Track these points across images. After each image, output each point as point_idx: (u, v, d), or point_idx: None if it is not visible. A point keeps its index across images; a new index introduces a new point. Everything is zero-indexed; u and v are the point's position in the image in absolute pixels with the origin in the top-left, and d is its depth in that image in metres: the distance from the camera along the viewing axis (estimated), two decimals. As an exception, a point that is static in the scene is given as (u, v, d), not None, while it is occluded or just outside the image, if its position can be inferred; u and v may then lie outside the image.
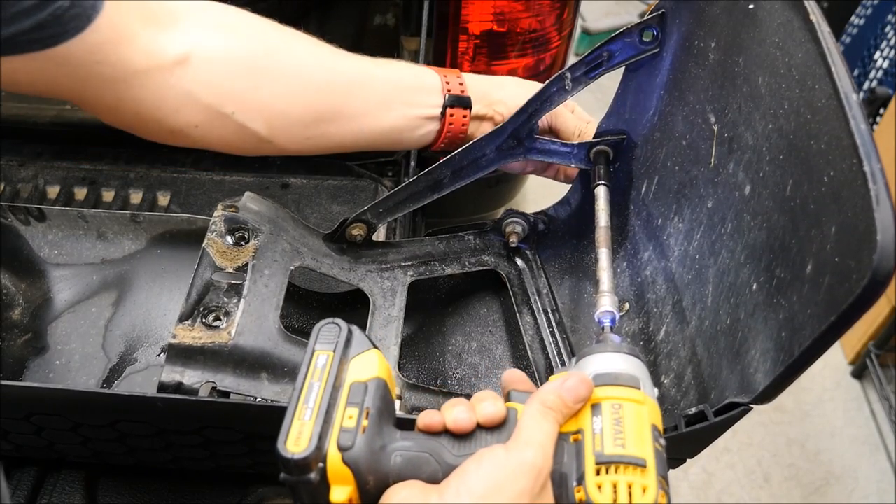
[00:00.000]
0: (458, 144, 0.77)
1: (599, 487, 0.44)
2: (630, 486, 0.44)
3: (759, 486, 1.83)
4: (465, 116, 0.77)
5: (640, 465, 0.45)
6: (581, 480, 0.45)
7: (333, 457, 0.45)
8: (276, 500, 0.79)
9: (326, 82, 0.71)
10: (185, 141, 0.69)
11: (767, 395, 0.51)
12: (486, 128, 0.80)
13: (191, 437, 0.65)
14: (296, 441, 0.45)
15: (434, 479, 0.46)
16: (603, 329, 0.62)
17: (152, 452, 0.70)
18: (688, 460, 0.62)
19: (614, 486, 0.44)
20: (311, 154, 0.75)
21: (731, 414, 0.53)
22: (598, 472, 0.45)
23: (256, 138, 0.69)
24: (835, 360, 2.09)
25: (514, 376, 0.54)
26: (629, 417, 0.47)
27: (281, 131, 0.70)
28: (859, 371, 2.04)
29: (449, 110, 0.76)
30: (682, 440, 0.56)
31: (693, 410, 0.56)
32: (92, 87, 0.59)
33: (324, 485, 0.45)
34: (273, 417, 0.46)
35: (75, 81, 0.58)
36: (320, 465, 0.45)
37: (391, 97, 0.74)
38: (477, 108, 0.78)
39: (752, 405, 0.52)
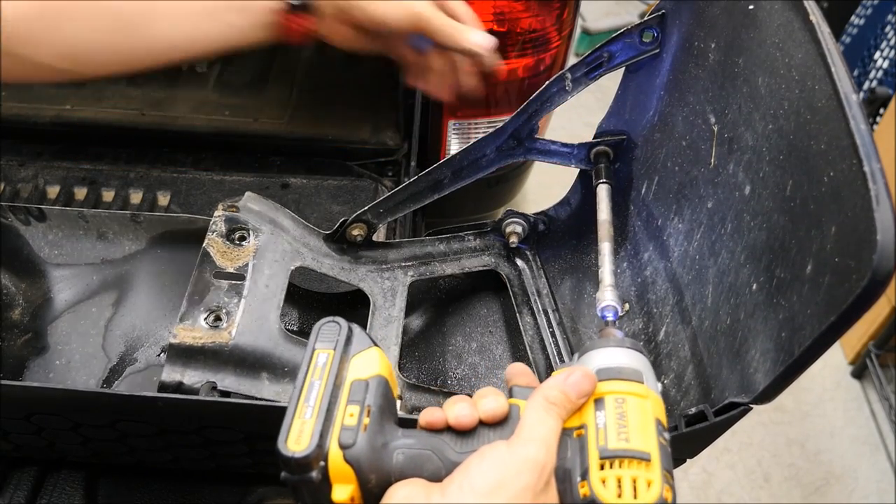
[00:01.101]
0: (310, 37, 0.73)
1: (604, 482, 0.44)
2: (635, 481, 0.44)
3: (759, 486, 1.83)
4: (307, 20, 0.71)
5: (644, 459, 0.44)
6: (585, 475, 0.45)
7: (335, 455, 0.45)
8: (276, 500, 0.79)
9: (132, 11, 0.68)
10: None
11: (767, 395, 0.51)
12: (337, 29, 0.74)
13: (191, 437, 0.65)
14: (297, 440, 0.44)
15: (437, 477, 0.46)
16: (607, 324, 0.62)
17: (153, 452, 0.70)
18: (688, 460, 0.62)
19: (619, 481, 0.44)
20: (135, 72, 0.73)
21: (731, 414, 0.53)
22: (602, 467, 0.45)
23: (62, 71, 0.69)
24: (835, 360, 2.09)
25: (517, 369, 0.54)
26: (633, 411, 0.47)
27: (90, 65, 0.69)
28: (859, 371, 2.04)
29: (289, 16, 0.71)
30: (683, 440, 0.56)
31: (693, 410, 0.56)
32: None
33: (325, 484, 0.45)
34: (274, 417, 0.46)
35: None
36: (322, 463, 0.45)
37: (211, 5, 0.70)
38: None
39: (752, 405, 0.52)
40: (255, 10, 0.71)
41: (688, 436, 0.55)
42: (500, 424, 0.49)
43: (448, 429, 0.49)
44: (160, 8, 0.69)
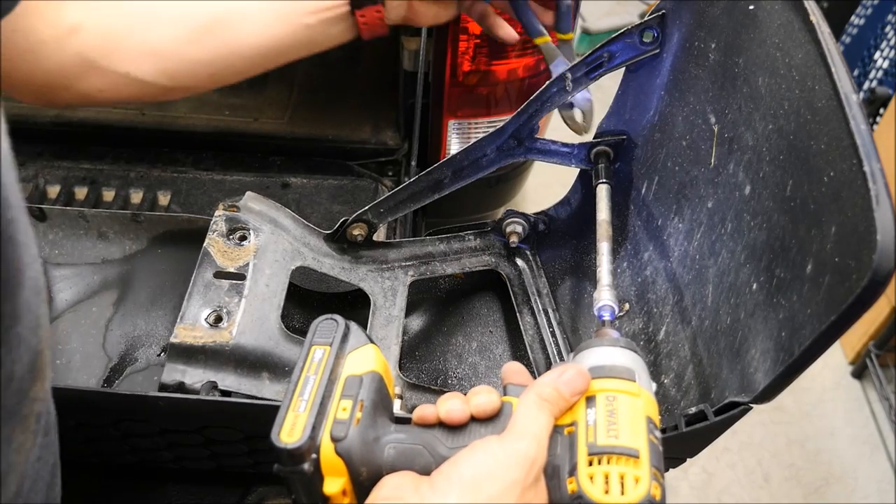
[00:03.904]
0: (382, 32, 0.76)
1: (591, 478, 0.44)
2: (622, 477, 0.44)
3: (759, 486, 1.83)
4: (378, 12, 0.75)
5: (632, 455, 0.44)
6: (573, 471, 0.45)
7: (326, 447, 0.45)
8: (276, 500, 0.79)
9: (210, 13, 0.71)
10: (97, 103, 0.73)
11: (767, 395, 0.51)
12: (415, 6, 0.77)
13: (192, 436, 0.65)
14: (290, 432, 0.45)
15: (427, 472, 0.46)
16: (603, 323, 0.62)
17: (154, 452, 0.70)
18: (688, 460, 0.62)
19: (606, 477, 0.44)
20: (224, 85, 0.76)
21: (732, 413, 0.53)
22: (590, 463, 0.45)
23: (160, 88, 0.72)
24: (835, 360, 2.09)
25: (513, 368, 0.54)
26: (623, 409, 0.47)
27: (182, 75, 0.72)
28: (859, 371, 2.04)
29: (358, 12, 0.74)
30: (683, 439, 0.56)
31: (693, 410, 0.56)
32: (9, 57, 0.64)
33: (317, 476, 0.46)
34: (274, 417, 0.46)
35: None
36: (314, 455, 0.45)
37: (283, 8, 0.73)
38: None
39: (752, 404, 0.52)
40: (324, 10, 0.74)
41: (688, 435, 0.55)
42: (491, 420, 0.49)
43: (440, 424, 0.49)
44: (235, 11, 0.72)
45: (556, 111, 0.81)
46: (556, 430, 0.48)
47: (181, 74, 0.72)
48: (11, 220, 0.32)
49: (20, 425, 0.36)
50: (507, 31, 0.85)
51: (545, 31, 0.82)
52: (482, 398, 0.49)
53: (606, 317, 0.62)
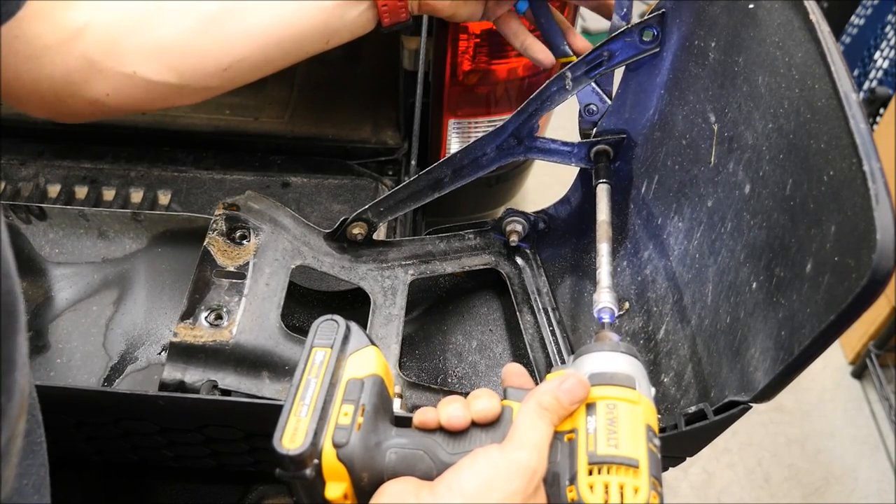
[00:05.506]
0: (404, 18, 0.73)
1: (591, 487, 0.44)
2: (622, 487, 0.44)
3: (759, 486, 1.83)
4: None
5: (632, 465, 0.45)
6: (573, 480, 0.45)
7: (328, 453, 0.45)
8: (276, 499, 0.80)
9: (218, 2, 0.67)
10: (107, 110, 0.68)
11: (767, 394, 0.51)
12: None
13: (192, 435, 0.65)
14: (291, 437, 0.45)
15: (428, 477, 0.46)
16: (603, 325, 0.62)
17: (154, 450, 0.70)
18: (688, 460, 0.62)
19: (606, 487, 0.44)
20: (240, 86, 0.72)
21: (731, 412, 0.53)
22: (590, 472, 0.45)
23: (170, 88, 0.68)
24: (835, 360, 2.09)
25: (513, 370, 0.54)
26: (623, 418, 0.47)
27: (191, 71, 0.68)
28: (859, 371, 2.04)
29: None
30: (683, 438, 0.56)
31: (693, 409, 0.56)
32: (11, 65, 0.62)
33: (319, 481, 0.46)
34: (274, 416, 0.46)
35: None
36: (315, 461, 0.45)
37: None
38: None
39: (751, 403, 0.53)
40: None
41: (688, 434, 0.56)
42: (492, 426, 0.49)
43: (441, 429, 0.49)
44: (247, 2, 0.68)
45: (556, 110, 0.81)
46: (556, 436, 0.48)
47: (189, 70, 0.68)
48: (8, 274, 0.34)
49: (7, 463, 0.37)
50: (545, 54, 0.81)
51: (570, 52, 0.80)
52: (483, 403, 0.49)
53: (606, 319, 0.62)
